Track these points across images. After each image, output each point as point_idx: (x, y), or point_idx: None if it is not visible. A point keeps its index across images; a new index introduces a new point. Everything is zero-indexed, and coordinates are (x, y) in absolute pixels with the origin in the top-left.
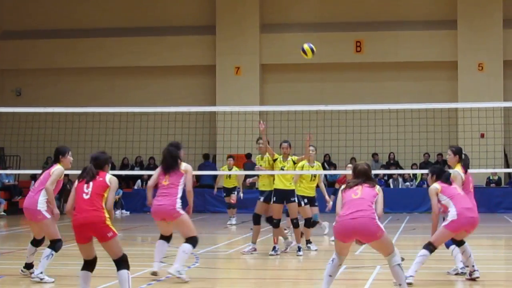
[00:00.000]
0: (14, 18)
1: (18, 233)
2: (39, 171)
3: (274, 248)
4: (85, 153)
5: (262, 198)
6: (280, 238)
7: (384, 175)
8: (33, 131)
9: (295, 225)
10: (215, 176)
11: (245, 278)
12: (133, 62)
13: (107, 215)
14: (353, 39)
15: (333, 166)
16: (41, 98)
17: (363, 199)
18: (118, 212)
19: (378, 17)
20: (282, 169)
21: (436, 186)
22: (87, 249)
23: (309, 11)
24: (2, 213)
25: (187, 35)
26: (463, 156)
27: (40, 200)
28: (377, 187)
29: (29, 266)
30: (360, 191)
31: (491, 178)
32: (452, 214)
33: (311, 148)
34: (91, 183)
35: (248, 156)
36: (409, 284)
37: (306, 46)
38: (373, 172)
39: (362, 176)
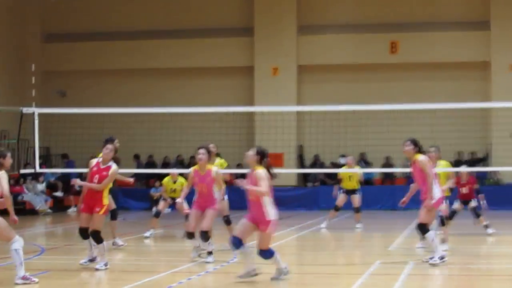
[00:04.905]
0: (57, 21)
1: (63, 230)
2: (84, 170)
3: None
4: (126, 152)
5: None
6: None
7: None
8: (78, 131)
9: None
10: None
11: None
12: (172, 63)
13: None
14: (388, 40)
15: (369, 165)
16: (85, 99)
17: None
18: None
19: (413, 18)
20: None
21: (427, 157)
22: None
23: (345, 12)
24: (48, 210)
25: (225, 36)
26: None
27: None
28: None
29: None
30: None
31: None
32: (437, 192)
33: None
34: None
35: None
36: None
37: None
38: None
39: None
